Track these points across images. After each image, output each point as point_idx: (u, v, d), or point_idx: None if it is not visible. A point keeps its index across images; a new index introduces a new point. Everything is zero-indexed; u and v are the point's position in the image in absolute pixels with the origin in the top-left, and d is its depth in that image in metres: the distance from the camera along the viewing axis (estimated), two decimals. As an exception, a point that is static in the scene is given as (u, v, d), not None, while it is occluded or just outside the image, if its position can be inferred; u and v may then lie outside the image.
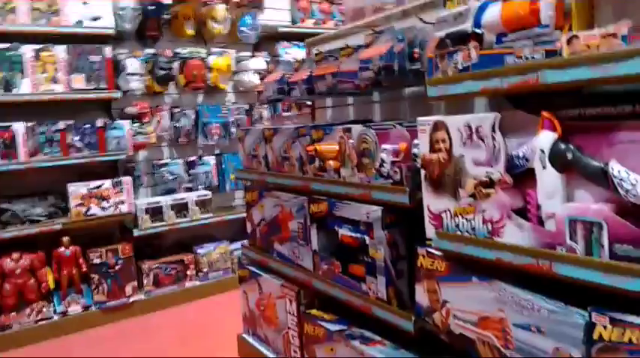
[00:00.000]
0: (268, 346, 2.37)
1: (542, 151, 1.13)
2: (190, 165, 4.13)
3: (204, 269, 3.95)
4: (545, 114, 1.14)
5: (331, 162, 1.84)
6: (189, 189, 4.08)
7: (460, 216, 1.32)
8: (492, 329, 1.25)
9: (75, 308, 3.41)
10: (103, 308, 3.48)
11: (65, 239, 3.39)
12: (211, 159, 4.23)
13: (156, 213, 3.76)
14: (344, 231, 1.77)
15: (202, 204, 3.98)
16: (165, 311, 3.63)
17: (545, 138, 1.14)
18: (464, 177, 1.31)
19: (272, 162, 2.29)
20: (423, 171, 1.44)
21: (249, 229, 2.55)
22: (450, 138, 1.34)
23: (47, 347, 3.15)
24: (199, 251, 3.96)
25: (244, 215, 4.21)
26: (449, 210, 1.36)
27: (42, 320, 3.28)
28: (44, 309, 3.31)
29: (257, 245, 2.47)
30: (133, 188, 3.69)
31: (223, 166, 4.28)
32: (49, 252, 3.36)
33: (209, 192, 4.04)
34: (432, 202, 1.42)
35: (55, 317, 3.34)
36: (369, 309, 1.68)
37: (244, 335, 2.59)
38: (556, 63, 1.08)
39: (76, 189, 3.45)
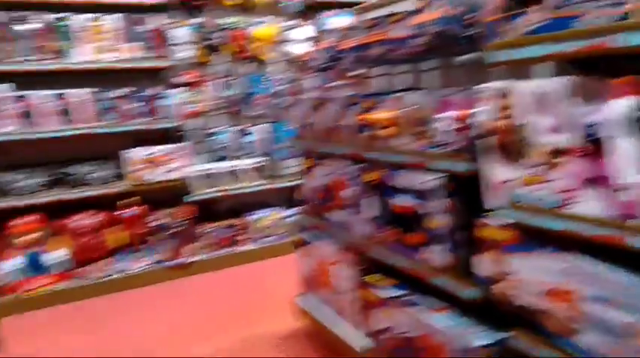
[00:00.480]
0: (323, 310, 2.45)
1: (620, 118, 1.08)
2: (241, 134, 4.21)
3: (257, 235, 4.07)
4: (622, 79, 1.08)
5: (385, 131, 1.83)
6: (242, 157, 4.17)
7: (527, 186, 1.29)
8: (561, 301, 1.24)
9: (137, 267, 3.62)
10: (162, 268, 3.68)
11: (127, 201, 3.57)
12: (261, 128, 4.28)
13: (210, 179, 3.88)
14: (399, 200, 1.77)
15: (254, 172, 4.06)
16: (220, 272, 3.79)
17: (622, 105, 1.08)
18: (531, 146, 1.27)
19: (324, 131, 2.29)
20: (486, 140, 1.41)
21: (304, 196, 2.59)
22: (516, 105, 1.30)
23: (111, 300, 3.39)
24: (252, 216, 4.08)
25: (295, 183, 4.34)
26: (514, 179, 1.33)
27: (107, 276, 3.51)
28: (109, 267, 3.54)
29: (312, 211, 2.51)
30: (187, 155, 3.81)
31: (274, 135, 4.33)
32: (112, 213, 3.56)
33: (261, 159, 4.12)
34: (496, 171, 1.39)
35: (115, 276, 3.55)
36: (427, 277, 1.69)
37: (299, 299, 2.67)
38: (633, 25, 1.01)
39: (134, 155, 3.61)
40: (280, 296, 2.93)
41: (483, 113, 1.41)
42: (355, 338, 2.19)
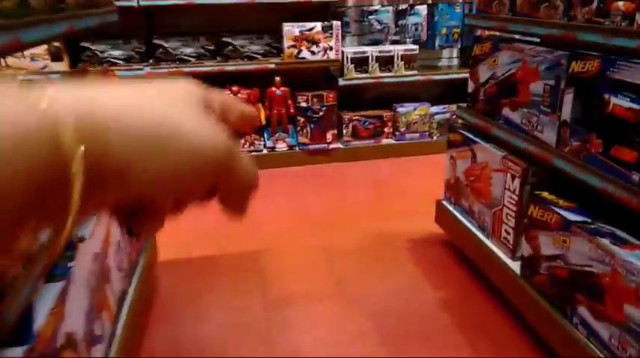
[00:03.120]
0: (471, 219, 2.18)
1: None
2: (400, 15, 3.77)
3: (402, 129, 3.79)
4: None
5: (620, 3, 1.34)
6: (396, 42, 3.78)
7: None
8: None
9: (281, 146, 3.64)
10: (304, 150, 3.65)
11: (277, 79, 3.49)
12: (423, 10, 3.78)
13: (361, 63, 3.61)
14: (620, 100, 1.33)
15: (408, 60, 3.67)
16: (360, 163, 3.66)
17: None
18: None
19: (520, 4, 1.82)
20: None
21: (470, 88, 2.21)
22: None
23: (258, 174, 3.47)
24: (399, 109, 3.78)
25: (452, 76, 3.89)
26: None
27: (253, 151, 3.59)
28: (256, 142, 3.60)
29: (478, 107, 2.14)
30: (341, 34, 3.54)
31: (435, 19, 3.81)
32: (262, 89, 3.53)
33: (416, 47, 3.70)
34: None
35: (264, 151, 3.61)
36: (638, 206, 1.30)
37: (444, 202, 2.42)
38: None
39: (290, 30, 3.43)
40: (420, 197, 2.70)
41: None
42: (507, 259, 1.91)
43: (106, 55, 3.25)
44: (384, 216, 2.79)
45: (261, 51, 3.49)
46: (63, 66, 3.17)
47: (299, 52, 3.46)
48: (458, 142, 2.24)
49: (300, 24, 3.42)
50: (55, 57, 3.15)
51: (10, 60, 3.10)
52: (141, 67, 3.29)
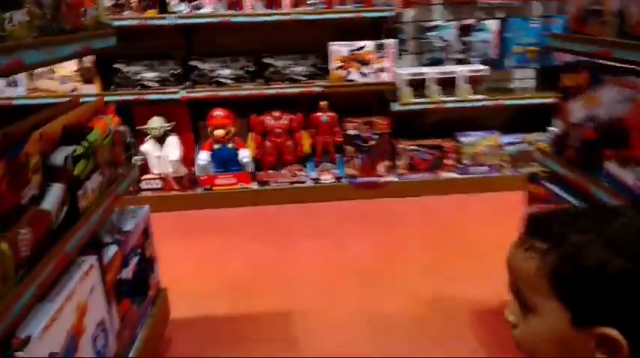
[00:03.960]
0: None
1: None
2: (465, 31, 3.30)
3: (466, 161, 3.30)
4: None
5: None
6: (460, 62, 3.32)
7: None
8: None
9: (326, 178, 3.26)
10: (353, 183, 3.25)
11: (323, 103, 3.14)
12: (493, 24, 3.30)
13: (418, 86, 3.17)
14: None
15: (474, 82, 3.20)
16: (416, 199, 3.21)
17: None
18: None
19: (636, 24, 1.34)
20: None
21: (557, 129, 1.73)
22: None
23: (299, 209, 3.12)
24: (463, 138, 3.30)
25: (527, 101, 3.35)
26: None
27: (296, 182, 3.24)
28: (299, 173, 3.25)
29: (568, 155, 1.66)
30: (396, 54, 3.13)
31: (507, 35, 3.32)
32: (307, 114, 3.19)
33: (485, 67, 3.21)
34: None
35: (308, 182, 3.25)
36: None
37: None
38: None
39: (338, 49, 3.07)
40: (490, 248, 2.22)
41: None
42: None
43: (138, 77, 3.02)
44: (444, 273, 2.32)
45: (306, 72, 3.14)
46: (94, 88, 2.98)
47: (348, 74, 3.08)
48: (541, 197, 1.76)
49: (350, 43, 3.05)
50: (87, 79, 2.96)
51: (38, 82, 2.95)
52: (176, 89, 3.03)
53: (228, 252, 2.63)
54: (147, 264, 1.73)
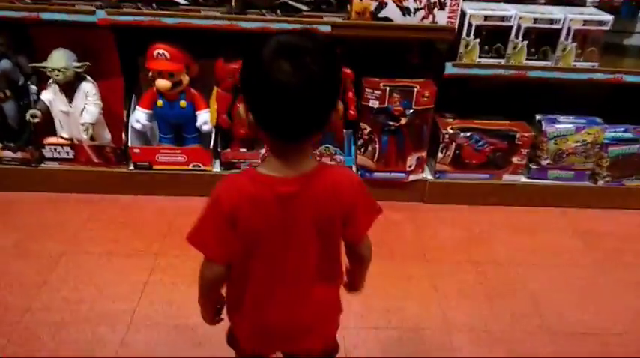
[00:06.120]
0: None
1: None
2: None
3: (545, 160, 2.15)
4: None
5: None
6: (566, 2, 2.03)
7: None
8: None
9: (328, 163, 2.15)
10: (366, 178, 2.13)
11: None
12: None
13: (495, 38, 1.93)
14: None
15: (582, 39, 1.95)
16: (459, 209, 2.13)
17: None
18: None
19: None
20: None
21: None
22: None
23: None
24: (548, 126, 2.11)
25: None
26: None
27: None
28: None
29: None
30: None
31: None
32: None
33: (607, 17, 1.94)
34: None
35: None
36: None
37: None
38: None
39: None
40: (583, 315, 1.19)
41: None
42: None
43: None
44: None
45: (311, -2, 1.89)
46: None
47: (380, 7, 1.83)
48: None
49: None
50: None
51: None
52: (90, 8, 1.83)
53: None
54: None
